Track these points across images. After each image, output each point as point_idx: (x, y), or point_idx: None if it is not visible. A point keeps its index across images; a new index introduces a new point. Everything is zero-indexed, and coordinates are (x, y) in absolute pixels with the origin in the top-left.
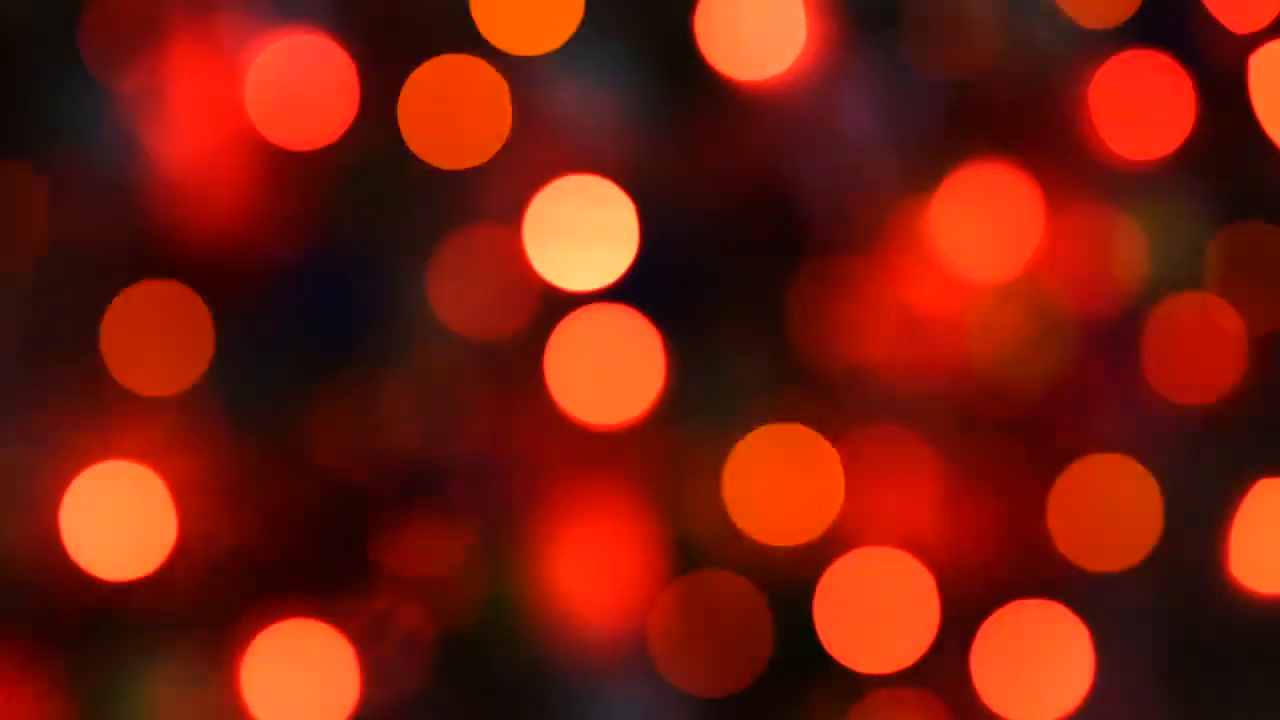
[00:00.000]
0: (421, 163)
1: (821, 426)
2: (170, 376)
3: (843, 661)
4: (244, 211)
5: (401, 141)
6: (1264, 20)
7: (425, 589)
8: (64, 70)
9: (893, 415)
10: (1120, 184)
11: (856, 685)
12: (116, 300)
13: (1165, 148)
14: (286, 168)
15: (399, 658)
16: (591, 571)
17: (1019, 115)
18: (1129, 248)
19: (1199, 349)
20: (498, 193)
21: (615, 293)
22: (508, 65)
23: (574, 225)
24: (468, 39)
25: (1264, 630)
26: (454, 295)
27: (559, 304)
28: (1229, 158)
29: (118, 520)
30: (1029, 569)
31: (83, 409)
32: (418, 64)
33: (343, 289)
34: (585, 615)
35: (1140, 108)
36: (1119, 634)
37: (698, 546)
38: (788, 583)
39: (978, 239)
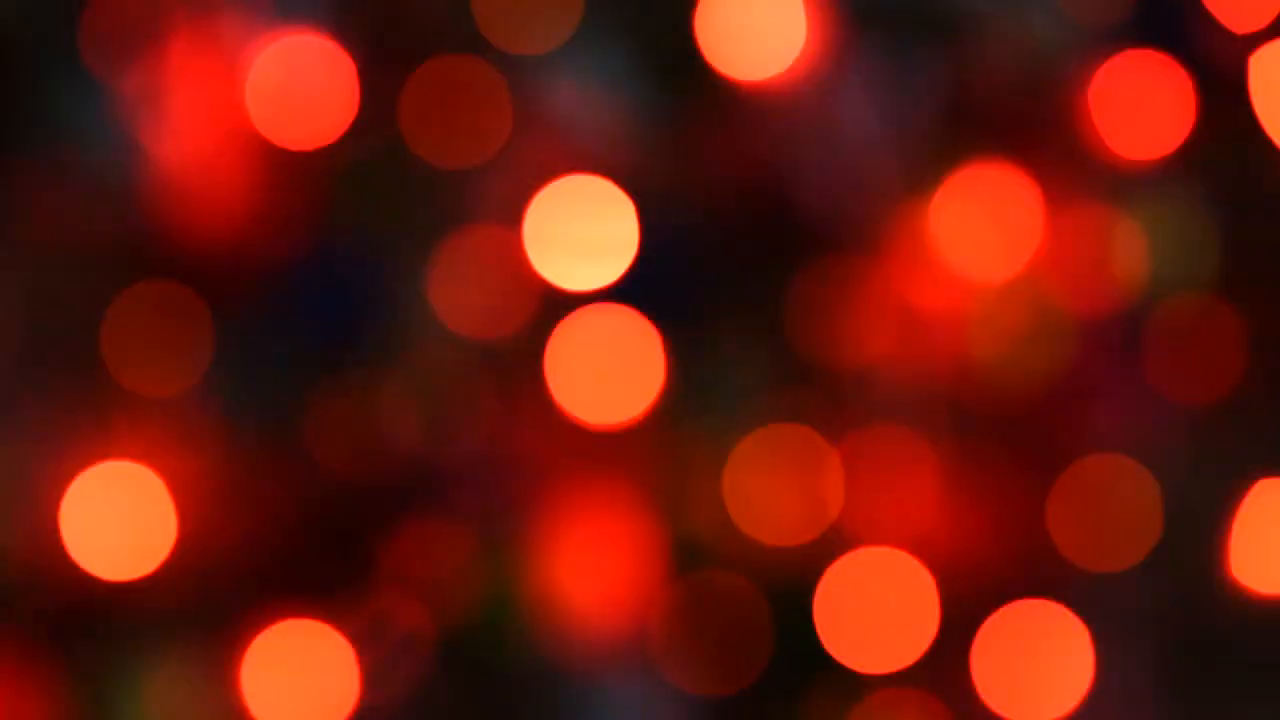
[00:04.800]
0: (421, 163)
1: (821, 426)
2: (170, 376)
3: (843, 661)
4: (244, 211)
5: (401, 141)
6: (1264, 20)
7: (425, 589)
8: (64, 70)
9: (893, 415)
10: (1120, 184)
11: (856, 685)
12: (116, 300)
13: (1165, 148)
14: (286, 168)
15: (399, 658)
16: (591, 571)
17: (1019, 115)
18: (1129, 248)
19: (1199, 349)
20: (498, 193)
21: (615, 293)
22: (508, 65)
23: (574, 225)
24: (468, 39)
25: (1264, 630)
26: (454, 295)
27: (559, 304)
28: (1229, 158)
29: (118, 520)
30: (1029, 569)
31: (83, 409)
32: (418, 64)
33: (343, 289)
34: (585, 615)
35: (1140, 108)
36: (1119, 634)
37: (698, 546)
38: (788, 583)
39: (978, 239)
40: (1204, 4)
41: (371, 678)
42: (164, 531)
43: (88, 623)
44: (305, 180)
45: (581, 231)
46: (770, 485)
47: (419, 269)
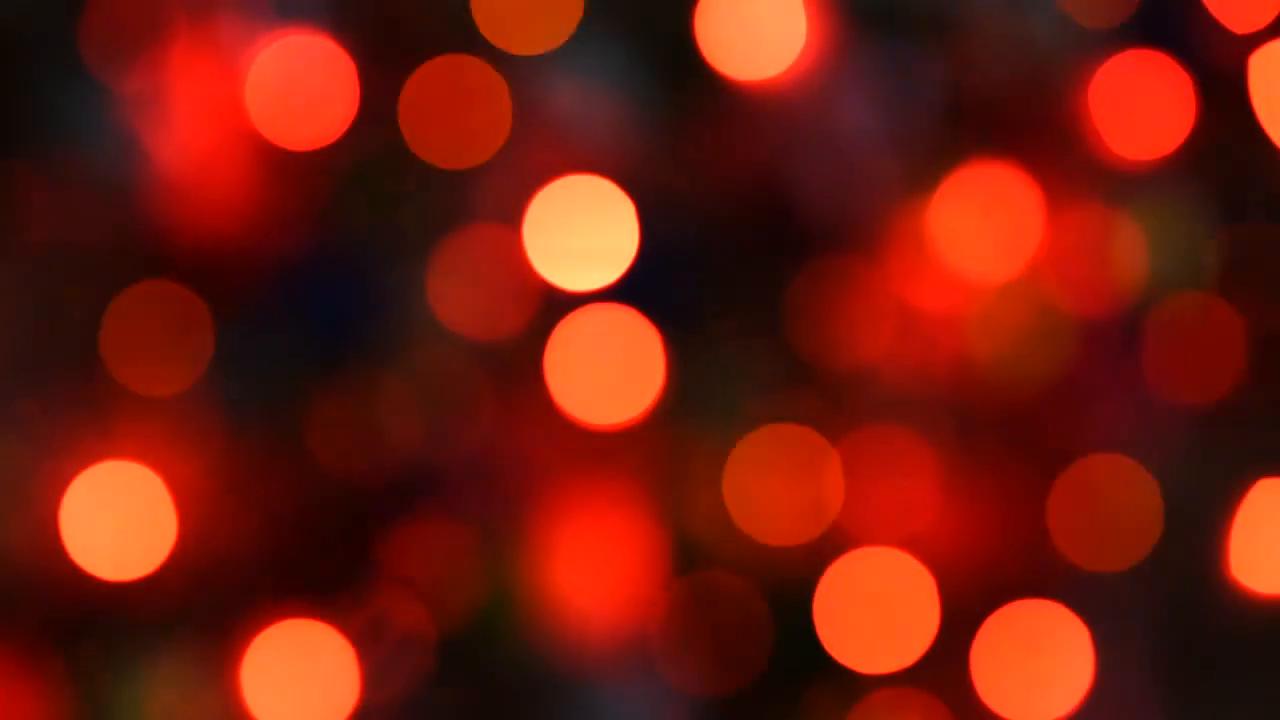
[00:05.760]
0: (421, 163)
1: (821, 426)
2: (170, 376)
3: (843, 661)
4: (244, 211)
5: (401, 141)
6: (1264, 20)
7: (425, 589)
8: (64, 70)
9: (893, 415)
10: (1120, 184)
11: (856, 685)
12: (116, 300)
13: (1165, 148)
14: (286, 168)
15: (399, 658)
16: (591, 571)
17: (1019, 115)
18: (1129, 248)
19: (1199, 349)
20: (498, 193)
21: (615, 293)
22: (508, 65)
23: (574, 225)
24: (468, 39)
25: (1263, 630)
26: (454, 295)
27: (559, 304)
28: (1229, 158)
29: (117, 520)
30: (1029, 569)
31: (83, 409)
32: (418, 64)
33: (343, 289)
34: (585, 615)
35: (1140, 108)
36: (1119, 634)
37: (698, 546)
38: (788, 583)
39: (978, 239)
40: (1204, 4)
41: (371, 678)
42: (164, 532)
43: (88, 623)
44: (305, 180)
45: (581, 232)
46: (770, 485)
47: (419, 269)
